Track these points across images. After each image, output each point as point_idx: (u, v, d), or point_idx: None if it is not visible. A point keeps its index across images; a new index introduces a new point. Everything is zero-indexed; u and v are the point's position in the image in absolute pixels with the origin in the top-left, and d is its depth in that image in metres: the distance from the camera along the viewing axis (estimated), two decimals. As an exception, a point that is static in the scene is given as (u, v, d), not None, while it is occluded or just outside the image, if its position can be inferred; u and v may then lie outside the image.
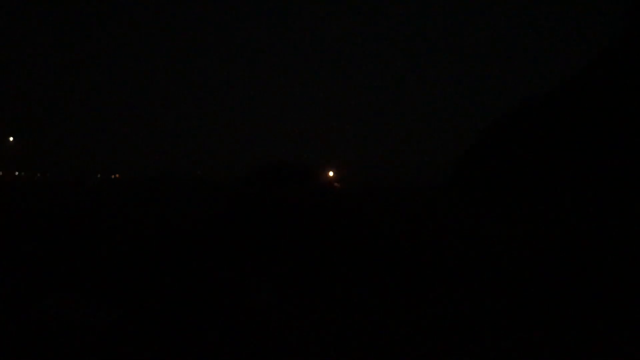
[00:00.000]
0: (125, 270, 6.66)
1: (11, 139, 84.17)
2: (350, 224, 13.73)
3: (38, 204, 18.33)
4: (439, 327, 4.55)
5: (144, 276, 6.34)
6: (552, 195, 29.49)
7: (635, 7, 36.58)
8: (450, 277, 6.62)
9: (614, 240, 9.89)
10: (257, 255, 8.16)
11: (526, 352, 3.95)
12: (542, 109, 45.53)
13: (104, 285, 5.80)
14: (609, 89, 35.95)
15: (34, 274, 6.17)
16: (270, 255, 8.11)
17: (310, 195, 15.45)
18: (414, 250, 9.04)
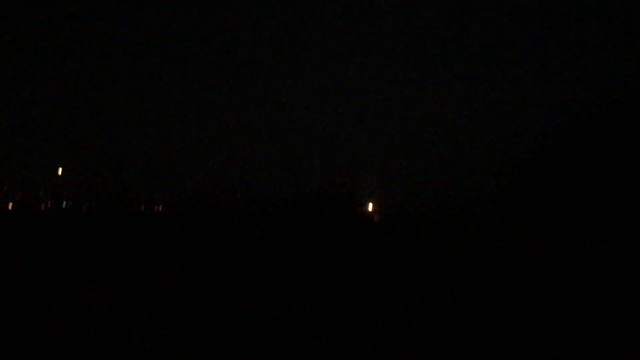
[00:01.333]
0: (173, 284, 6.75)
1: (60, 170, 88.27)
2: (389, 256, 13.54)
3: (85, 228, 18.84)
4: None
5: (190, 289, 6.42)
6: (605, 235, 28.06)
7: None
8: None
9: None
10: (293, 271, 8.33)
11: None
12: (593, 134, 43.36)
13: (153, 296, 5.87)
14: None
15: (87, 283, 6.31)
16: (305, 271, 8.29)
17: (350, 230, 15.52)
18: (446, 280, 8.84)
